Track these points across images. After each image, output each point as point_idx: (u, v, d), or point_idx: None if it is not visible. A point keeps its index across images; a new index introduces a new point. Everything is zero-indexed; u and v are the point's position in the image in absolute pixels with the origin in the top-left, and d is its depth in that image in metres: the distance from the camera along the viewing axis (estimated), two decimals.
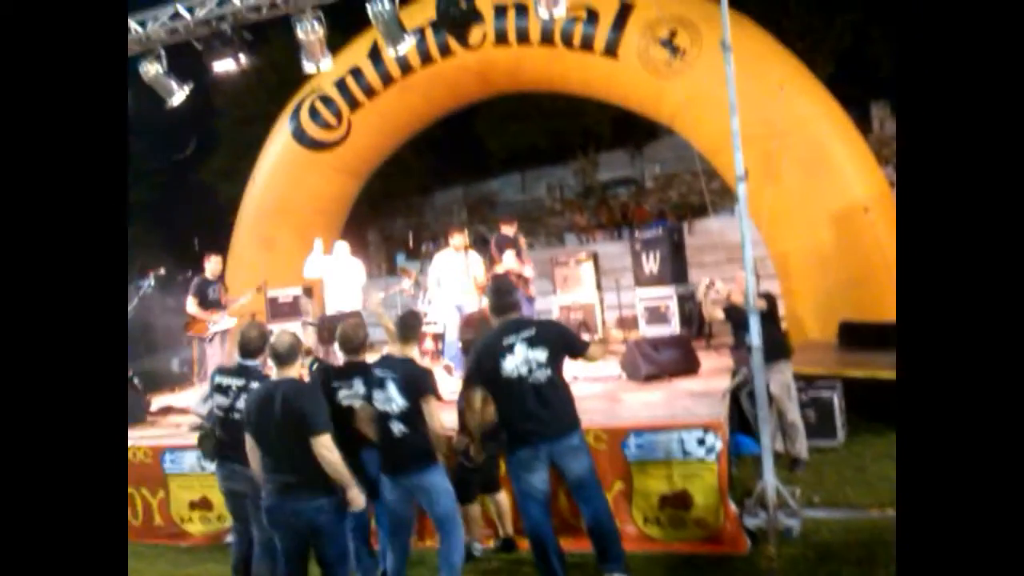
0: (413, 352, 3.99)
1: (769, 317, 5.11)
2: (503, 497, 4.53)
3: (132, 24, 6.83)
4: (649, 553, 4.35)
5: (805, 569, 3.92)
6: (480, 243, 11.35)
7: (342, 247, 7.73)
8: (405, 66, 9.30)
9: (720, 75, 4.55)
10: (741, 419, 5.67)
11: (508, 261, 7.22)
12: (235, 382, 3.97)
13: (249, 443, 3.57)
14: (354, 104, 9.74)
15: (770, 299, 5.28)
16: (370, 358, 4.21)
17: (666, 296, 7.89)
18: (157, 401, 7.43)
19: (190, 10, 6.75)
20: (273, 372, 3.68)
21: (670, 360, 6.15)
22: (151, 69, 7.02)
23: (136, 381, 7.02)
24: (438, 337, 7.20)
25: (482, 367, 3.76)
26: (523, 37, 8.69)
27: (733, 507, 4.39)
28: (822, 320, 7.46)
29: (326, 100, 9.80)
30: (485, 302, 4.38)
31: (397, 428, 3.74)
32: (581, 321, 7.90)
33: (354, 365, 4.20)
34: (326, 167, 10.27)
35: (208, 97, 17.30)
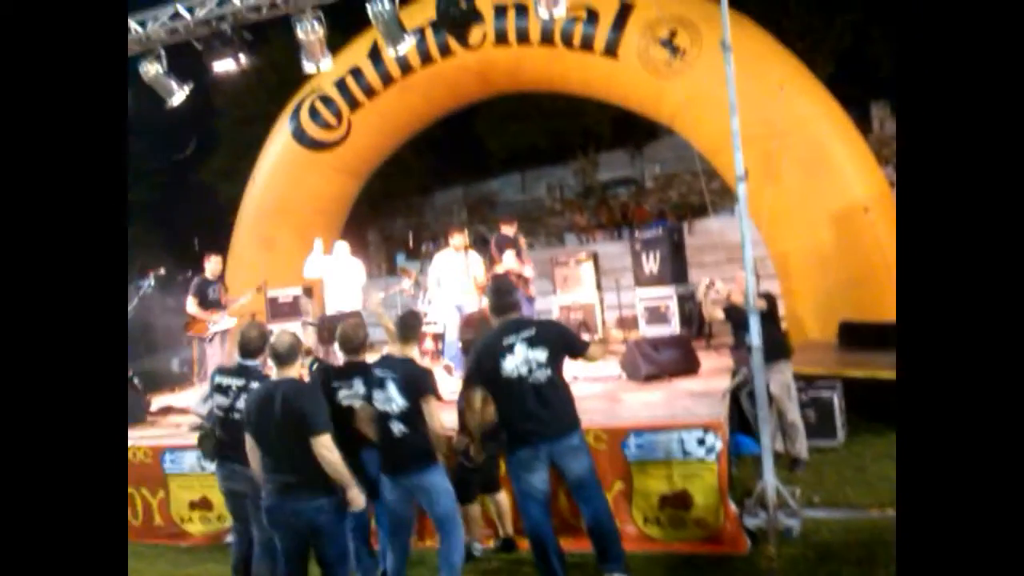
0: (413, 352, 3.99)
1: (769, 317, 5.11)
2: (503, 497, 4.53)
3: (132, 24, 6.83)
4: (649, 553, 4.35)
5: (805, 569, 3.92)
6: (480, 243, 11.35)
7: (342, 247, 7.73)
8: (405, 66, 9.30)
9: (720, 75, 4.55)
10: (741, 419, 5.67)
11: (508, 261, 7.22)
12: (235, 382, 3.98)
13: (249, 443, 3.57)
14: (354, 104, 9.74)
15: (770, 299, 5.28)
16: (370, 358, 4.21)
17: (666, 296, 7.89)
18: (157, 401, 7.43)
19: (190, 10, 6.75)
20: (273, 372, 3.68)
21: (670, 360, 6.15)
22: (151, 69, 7.03)
23: (136, 381, 7.02)
24: (438, 337, 7.20)
25: (482, 367, 3.76)
26: (523, 37, 8.69)
27: (733, 507, 4.39)
28: (822, 320, 7.46)
29: (326, 100, 9.80)
30: (485, 302, 4.38)
31: (397, 428, 3.74)
32: (581, 321, 7.90)
33: (354, 365, 4.20)
34: (326, 167, 10.27)
35: (208, 97, 17.31)
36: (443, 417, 3.80)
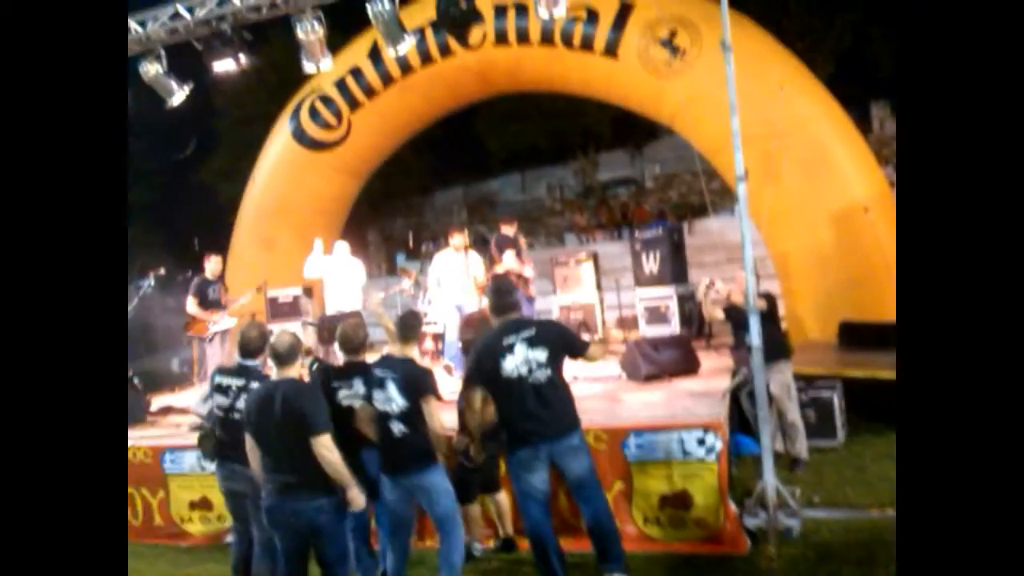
0: (413, 352, 3.99)
1: (769, 317, 5.11)
2: (503, 497, 4.53)
3: (132, 24, 6.83)
4: (649, 553, 4.35)
5: (805, 569, 3.92)
6: (480, 243, 11.34)
7: (342, 247, 7.73)
8: (405, 66, 9.30)
9: (720, 75, 4.55)
10: (741, 419, 5.67)
11: (508, 261, 7.22)
12: (235, 382, 3.98)
13: (249, 443, 3.57)
14: (354, 104, 9.74)
15: (770, 299, 5.28)
16: (370, 358, 4.21)
17: (666, 296, 7.89)
18: (157, 401, 7.43)
19: (190, 10, 6.75)
20: (273, 372, 3.68)
21: (670, 360, 6.15)
22: (151, 69, 7.03)
23: (136, 381, 7.02)
24: (438, 337, 7.20)
25: (482, 367, 3.76)
26: (523, 37, 8.69)
27: (733, 507, 4.39)
28: (822, 320, 7.46)
29: (326, 100, 9.80)
30: (485, 302, 4.38)
31: (397, 428, 3.74)
32: (581, 321, 7.90)
33: (354, 365, 4.20)
34: (326, 167, 10.27)
35: (208, 97, 17.30)
36: (443, 417, 3.80)
